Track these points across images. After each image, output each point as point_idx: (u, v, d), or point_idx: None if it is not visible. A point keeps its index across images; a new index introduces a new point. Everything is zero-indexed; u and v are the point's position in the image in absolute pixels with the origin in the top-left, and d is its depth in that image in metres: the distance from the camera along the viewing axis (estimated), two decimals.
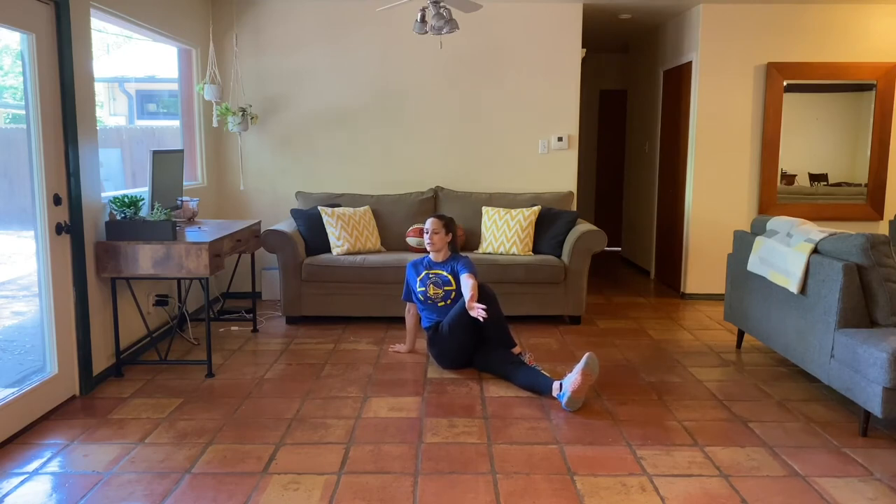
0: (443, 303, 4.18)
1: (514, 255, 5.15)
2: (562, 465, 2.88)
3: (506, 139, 5.87)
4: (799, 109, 5.81)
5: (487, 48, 5.76)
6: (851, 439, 3.15)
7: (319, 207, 5.27)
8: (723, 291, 5.90)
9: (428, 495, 2.63)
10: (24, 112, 3.28)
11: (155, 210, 3.92)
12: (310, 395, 3.67)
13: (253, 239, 4.73)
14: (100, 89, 7.96)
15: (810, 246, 3.59)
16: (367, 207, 5.42)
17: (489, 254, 5.21)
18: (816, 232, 3.66)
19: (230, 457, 2.94)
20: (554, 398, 3.57)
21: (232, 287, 5.80)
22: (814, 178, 5.91)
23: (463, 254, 4.73)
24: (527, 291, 5.04)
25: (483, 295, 3.94)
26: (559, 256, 5.15)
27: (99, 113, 4.83)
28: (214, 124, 5.59)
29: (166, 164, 4.24)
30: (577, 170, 5.95)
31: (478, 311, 3.73)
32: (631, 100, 8.06)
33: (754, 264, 4.09)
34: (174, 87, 5.56)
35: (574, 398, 3.42)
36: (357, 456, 2.96)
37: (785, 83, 5.75)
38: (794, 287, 3.63)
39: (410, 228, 5.41)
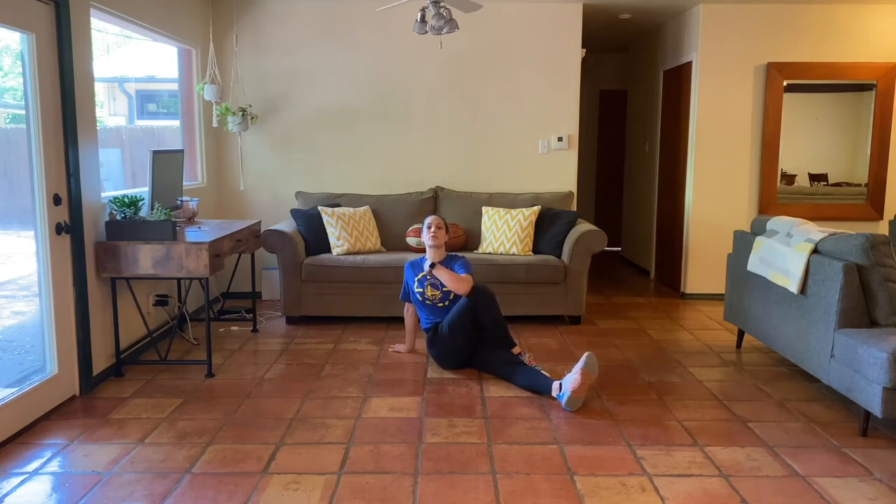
0: (442, 304, 4.18)
1: (513, 255, 5.15)
2: (562, 465, 2.88)
3: (506, 139, 5.87)
4: (799, 109, 5.81)
5: (487, 48, 5.76)
6: (851, 439, 3.15)
7: (319, 207, 5.27)
8: (723, 291, 5.90)
9: (428, 495, 2.63)
10: (24, 112, 3.28)
11: (155, 210, 3.92)
12: (310, 395, 3.67)
13: (253, 239, 4.73)
14: (100, 89, 7.95)
15: (810, 246, 3.59)
16: (367, 207, 5.42)
17: (489, 254, 5.21)
18: (816, 232, 3.66)
19: (230, 457, 2.95)
20: (554, 398, 3.57)
21: (232, 287, 5.80)
22: (814, 178, 5.91)
23: (461, 254, 4.74)
24: (527, 291, 5.04)
25: (482, 295, 3.94)
26: (559, 256, 5.15)
27: (99, 113, 4.83)
28: (214, 124, 5.59)
29: (166, 164, 4.24)
30: (577, 170, 5.95)
31: (427, 269, 4.08)
32: (631, 100, 8.06)
33: (754, 264, 4.09)
34: (174, 87, 5.56)
35: (574, 398, 3.42)
36: (357, 456, 2.96)
37: (785, 83, 5.75)
38: (794, 287, 3.63)
39: (410, 228, 5.41)
